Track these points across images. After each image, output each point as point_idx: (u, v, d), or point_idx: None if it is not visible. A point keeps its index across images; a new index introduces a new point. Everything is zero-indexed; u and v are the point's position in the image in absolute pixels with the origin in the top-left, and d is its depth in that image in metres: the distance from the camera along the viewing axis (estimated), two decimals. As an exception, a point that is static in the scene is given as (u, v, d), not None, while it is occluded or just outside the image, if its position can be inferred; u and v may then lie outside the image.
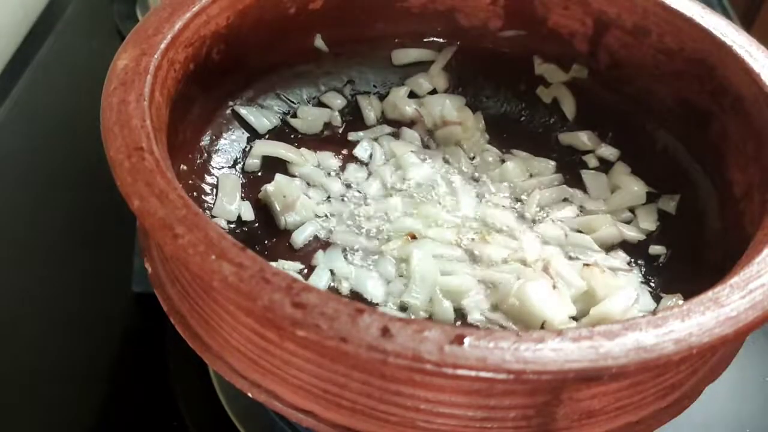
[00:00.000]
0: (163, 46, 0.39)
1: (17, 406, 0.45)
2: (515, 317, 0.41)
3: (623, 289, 0.41)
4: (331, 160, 0.50)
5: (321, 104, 0.53)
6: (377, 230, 0.45)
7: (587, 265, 0.43)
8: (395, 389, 0.30)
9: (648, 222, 0.47)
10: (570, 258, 0.44)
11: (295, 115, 0.52)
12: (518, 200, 0.49)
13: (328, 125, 0.52)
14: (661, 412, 0.34)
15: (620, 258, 0.45)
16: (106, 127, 0.34)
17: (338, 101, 0.53)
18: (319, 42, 0.52)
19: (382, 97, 0.54)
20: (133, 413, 0.46)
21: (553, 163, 0.51)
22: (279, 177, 0.46)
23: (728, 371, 0.36)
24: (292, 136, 0.51)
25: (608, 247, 0.46)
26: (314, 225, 0.45)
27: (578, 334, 0.28)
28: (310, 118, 0.52)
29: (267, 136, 0.50)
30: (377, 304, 0.41)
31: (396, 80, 0.55)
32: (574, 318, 0.41)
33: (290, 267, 0.43)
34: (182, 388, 0.46)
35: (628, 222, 0.48)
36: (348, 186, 0.48)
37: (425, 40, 0.55)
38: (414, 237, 0.44)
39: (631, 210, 0.49)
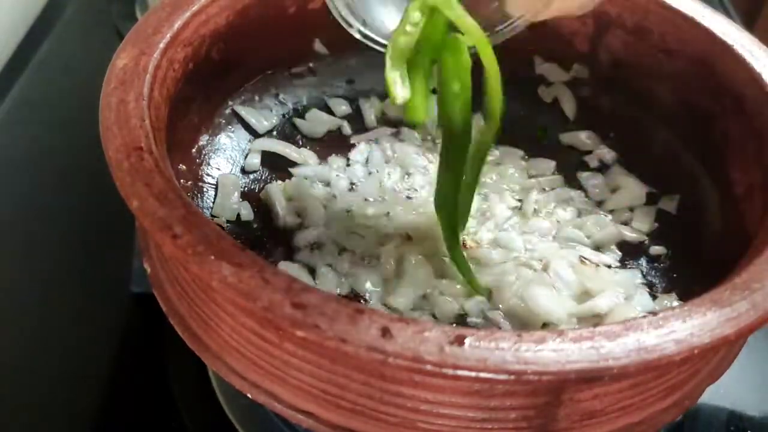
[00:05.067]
0: (162, 45, 0.39)
1: (17, 406, 0.45)
2: (516, 317, 0.40)
3: (614, 285, 0.42)
4: (332, 161, 0.50)
5: (326, 107, 0.53)
6: (377, 231, 0.45)
7: (583, 261, 0.43)
8: (395, 390, 0.29)
9: (644, 223, 0.47)
10: (567, 255, 0.44)
11: (299, 116, 0.52)
12: (518, 200, 0.48)
13: (331, 130, 0.52)
14: (662, 412, 0.34)
15: (615, 255, 0.45)
16: (105, 127, 0.34)
17: (343, 107, 0.53)
18: (318, 46, 0.52)
19: (382, 98, 0.54)
20: (133, 414, 0.46)
21: (553, 163, 0.51)
22: (287, 180, 0.46)
23: (729, 371, 0.36)
24: (294, 137, 0.51)
25: (607, 247, 0.46)
26: (318, 227, 0.45)
27: (579, 335, 0.28)
28: (315, 122, 0.51)
29: (267, 136, 0.50)
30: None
31: (396, 80, 0.55)
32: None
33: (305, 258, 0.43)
34: (181, 389, 0.46)
35: (628, 222, 0.48)
36: (348, 187, 0.48)
37: (425, 39, 0.55)
38: (410, 238, 0.44)
39: (632, 210, 0.48)
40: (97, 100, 0.35)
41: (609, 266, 0.44)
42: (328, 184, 0.48)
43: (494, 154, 0.52)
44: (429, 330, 0.27)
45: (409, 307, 0.41)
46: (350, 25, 0.38)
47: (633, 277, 0.44)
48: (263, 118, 0.50)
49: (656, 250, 0.46)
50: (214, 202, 0.45)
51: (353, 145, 0.51)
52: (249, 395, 0.33)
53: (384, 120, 0.54)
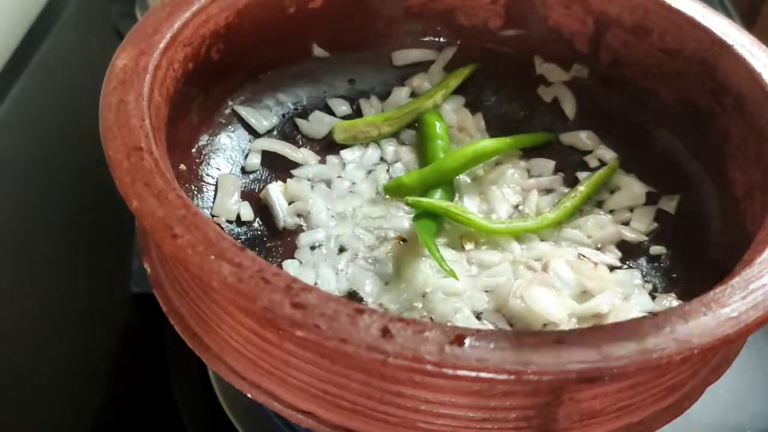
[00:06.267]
0: (162, 45, 0.39)
1: (17, 406, 0.45)
2: (516, 318, 0.40)
3: (614, 285, 0.42)
4: (332, 162, 0.50)
5: (326, 107, 0.53)
6: (376, 232, 0.45)
7: (581, 258, 0.43)
8: (395, 390, 0.29)
9: (643, 223, 0.47)
10: (566, 255, 0.44)
11: (299, 116, 0.52)
12: (518, 200, 0.48)
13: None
14: (662, 412, 0.34)
15: (614, 255, 0.45)
16: (105, 127, 0.34)
17: (343, 107, 0.53)
18: (318, 51, 0.52)
19: (382, 97, 0.54)
20: (133, 414, 0.46)
21: (553, 162, 0.51)
22: (287, 181, 0.46)
23: (729, 372, 0.36)
24: (294, 137, 0.51)
25: (607, 247, 0.46)
26: (318, 228, 0.45)
27: (579, 335, 0.28)
28: (316, 123, 0.51)
29: (267, 136, 0.50)
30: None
31: (396, 80, 0.55)
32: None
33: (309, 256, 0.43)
34: (181, 389, 0.46)
35: (627, 222, 0.48)
36: (349, 187, 0.48)
37: (425, 39, 0.55)
38: (404, 240, 0.44)
39: (631, 210, 0.48)
40: (97, 100, 0.35)
41: (609, 266, 0.44)
42: (328, 184, 0.48)
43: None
44: (429, 330, 0.27)
45: (408, 307, 0.41)
46: None
47: (633, 277, 0.44)
48: (263, 118, 0.50)
49: (656, 250, 0.46)
50: (214, 202, 0.45)
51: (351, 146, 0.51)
52: (249, 395, 0.33)
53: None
